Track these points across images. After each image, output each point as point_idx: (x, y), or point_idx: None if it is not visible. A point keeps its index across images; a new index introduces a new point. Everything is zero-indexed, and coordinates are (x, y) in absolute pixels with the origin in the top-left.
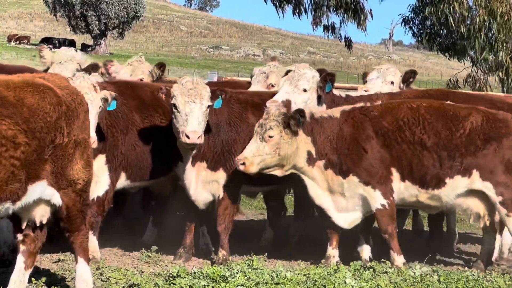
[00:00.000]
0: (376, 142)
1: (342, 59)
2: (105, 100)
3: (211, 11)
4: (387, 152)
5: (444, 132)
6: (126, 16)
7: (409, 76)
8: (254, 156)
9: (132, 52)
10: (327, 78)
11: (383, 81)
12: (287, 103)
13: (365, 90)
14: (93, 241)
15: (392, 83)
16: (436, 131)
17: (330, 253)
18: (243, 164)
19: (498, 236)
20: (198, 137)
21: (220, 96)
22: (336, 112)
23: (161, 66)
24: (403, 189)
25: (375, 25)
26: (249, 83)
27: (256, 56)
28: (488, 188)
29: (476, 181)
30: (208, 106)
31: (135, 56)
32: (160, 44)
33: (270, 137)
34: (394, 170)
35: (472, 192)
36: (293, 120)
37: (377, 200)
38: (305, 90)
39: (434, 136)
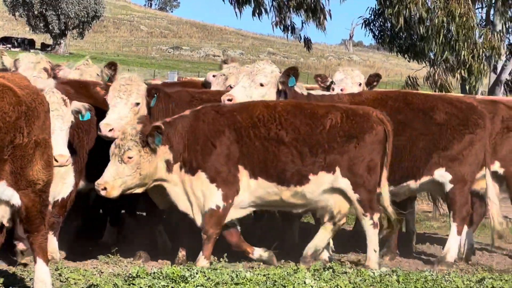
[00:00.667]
0: (227, 138)
1: (302, 59)
2: (77, 112)
3: (171, 11)
4: (237, 149)
5: (303, 129)
6: (86, 15)
7: (373, 80)
8: (115, 179)
9: (92, 52)
10: (290, 72)
11: (353, 82)
12: (143, 120)
13: (341, 90)
14: (52, 241)
15: (360, 84)
16: (294, 127)
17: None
18: (104, 189)
19: (458, 237)
20: (110, 130)
21: (155, 95)
22: (188, 110)
23: (112, 65)
24: (256, 187)
25: (335, 26)
26: (203, 85)
27: (216, 56)
28: (346, 185)
29: (338, 178)
30: (138, 104)
31: (83, 59)
32: (120, 44)
33: (130, 158)
34: (242, 168)
35: (335, 190)
36: (151, 137)
37: (214, 200)
38: (262, 85)
39: (293, 132)
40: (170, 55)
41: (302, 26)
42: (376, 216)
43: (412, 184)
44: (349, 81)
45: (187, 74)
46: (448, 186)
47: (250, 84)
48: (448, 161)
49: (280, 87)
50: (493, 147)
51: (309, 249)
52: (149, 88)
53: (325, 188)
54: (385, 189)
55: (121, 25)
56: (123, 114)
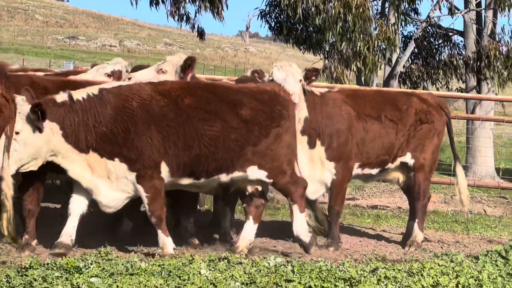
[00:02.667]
0: None
1: (199, 50)
2: None
3: (68, 1)
4: None
5: None
6: None
7: (311, 74)
8: None
9: None
10: None
11: (295, 80)
12: None
13: None
14: None
15: (300, 81)
16: None
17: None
18: None
19: (303, 214)
20: None
21: None
22: None
23: None
24: None
25: (232, 17)
26: None
27: (112, 47)
28: None
29: None
30: None
31: None
32: (15, 33)
33: None
34: None
35: None
36: None
37: None
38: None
39: None
40: (66, 44)
41: (195, 15)
42: None
43: (223, 177)
44: (291, 79)
45: (83, 64)
46: (269, 182)
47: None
48: (259, 158)
49: None
50: (407, 139)
51: None
52: None
53: None
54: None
55: (16, 14)
56: None
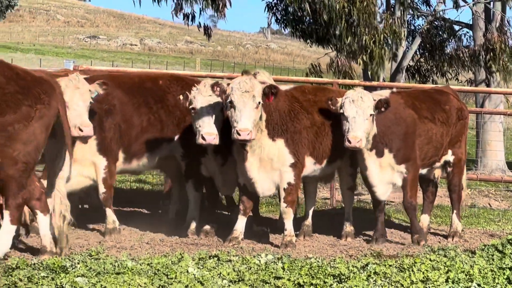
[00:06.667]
0: None
1: (220, 48)
2: None
3: (89, 1)
4: None
5: None
6: (0, 5)
7: (381, 105)
8: None
9: (7, 42)
10: None
11: None
12: None
13: None
14: None
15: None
16: None
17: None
18: None
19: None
20: None
21: None
22: None
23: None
24: None
25: (254, 14)
26: None
27: (133, 45)
28: None
29: None
30: None
31: None
32: (36, 33)
33: None
34: None
35: None
36: None
37: None
38: None
39: None
40: (87, 44)
41: (200, 13)
42: None
43: None
44: None
45: (104, 63)
46: None
47: None
48: None
49: None
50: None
51: None
52: None
53: None
54: None
55: (38, 15)
56: None
